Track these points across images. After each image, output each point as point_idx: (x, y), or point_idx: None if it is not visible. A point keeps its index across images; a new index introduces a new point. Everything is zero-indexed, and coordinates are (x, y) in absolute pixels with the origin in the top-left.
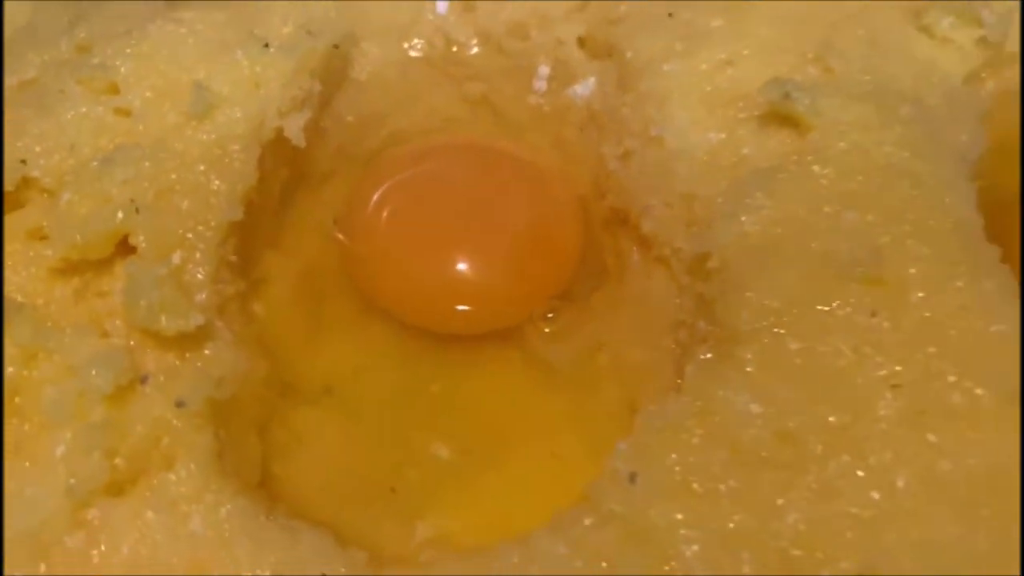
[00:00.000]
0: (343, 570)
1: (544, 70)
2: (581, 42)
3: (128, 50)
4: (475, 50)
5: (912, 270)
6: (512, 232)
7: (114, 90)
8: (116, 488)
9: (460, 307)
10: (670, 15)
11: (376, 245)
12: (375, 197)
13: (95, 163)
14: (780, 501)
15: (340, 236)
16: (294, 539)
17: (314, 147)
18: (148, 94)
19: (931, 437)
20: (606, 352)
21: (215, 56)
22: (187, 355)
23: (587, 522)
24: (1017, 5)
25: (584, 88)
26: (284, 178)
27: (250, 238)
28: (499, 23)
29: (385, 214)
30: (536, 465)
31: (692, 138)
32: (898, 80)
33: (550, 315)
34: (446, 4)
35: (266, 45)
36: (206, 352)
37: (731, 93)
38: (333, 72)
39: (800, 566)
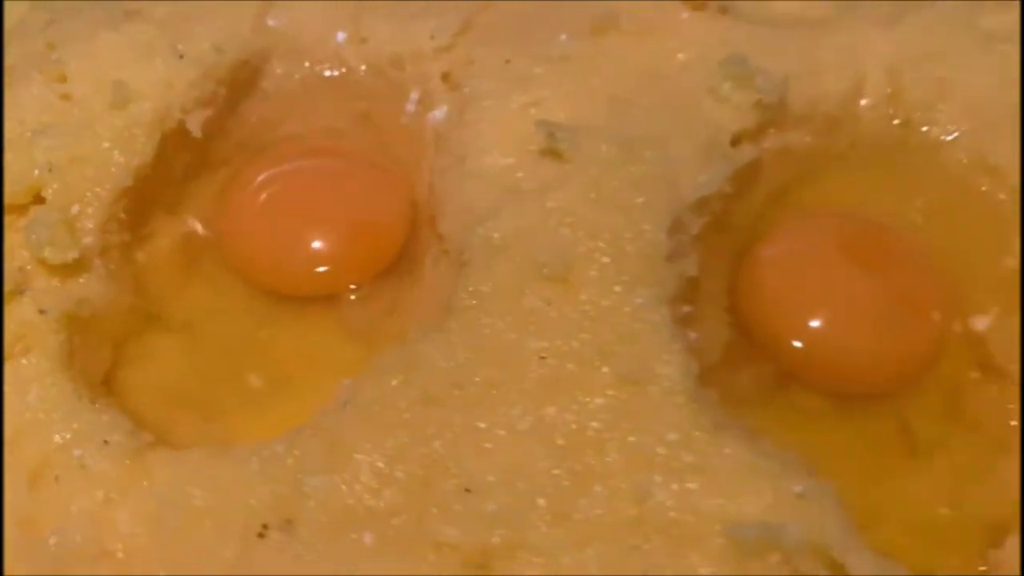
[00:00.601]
0: (123, 440)
1: (414, 96)
2: (444, 77)
3: (80, 50)
4: (363, 74)
5: (592, 273)
6: (348, 222)
7: (63, 80)
8: None
9: (295, 274)
10: (507, 62)
11: (235, 222)
12: (242, 186)
13: (30, 133)
14: (432, 430)
15: (197, 224)
16: (97, 416)
17: (217, 140)
18: (87, 86)
19: (554, 397)
20: (396, 319)
21: (141, 61)
22: (67, 281)
23: (306, 433)
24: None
25: (439, 113)
26: (187, 161)
27: (144, 202)
28: (384, 54)
29: (246, 199)
30: (323, 396)
31: (486, 162)
32: (669, 131)
33: (353, 286)
34: (344, 35)
35: (181, 56)
36: (80, 280)
37: (527, 129)
38: (241, 82)
39: (429, 478)
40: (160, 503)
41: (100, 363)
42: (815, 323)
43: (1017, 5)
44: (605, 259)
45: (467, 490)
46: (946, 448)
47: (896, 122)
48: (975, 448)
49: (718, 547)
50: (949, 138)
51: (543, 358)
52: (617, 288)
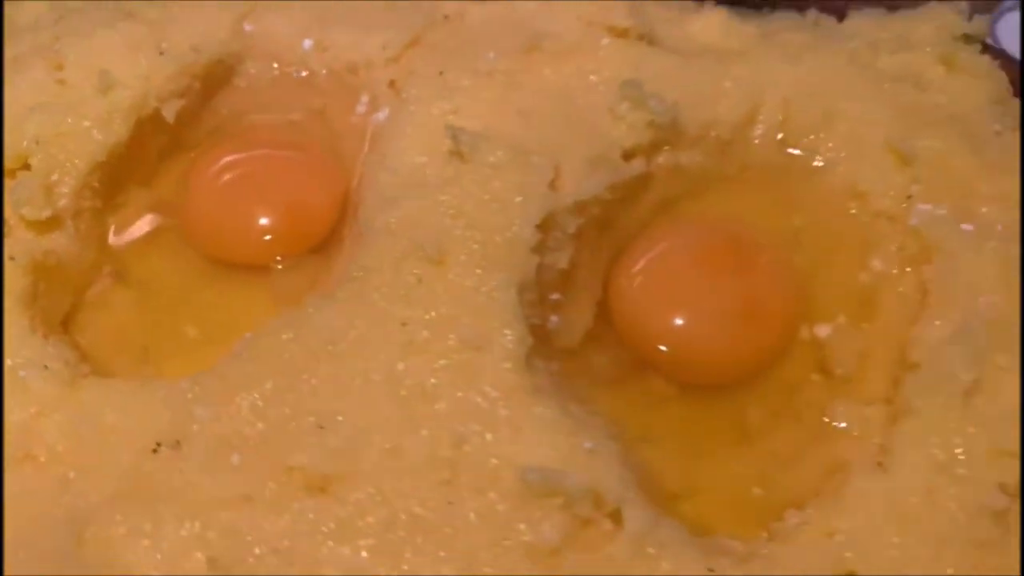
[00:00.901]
0: (61, 368)
1: (364, 99)
2: (391, 84)
3: (79, 43)
4: (323, 77)
5: (462, 257)
6: (287, 203)
7: (61, 68)
8: None
9: (237, 244)
10: (441, 73)
11: (193, 198)
12: (202, 169)
13: (26, 110)
14: (303, 377)
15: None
16: (45, 347)
17: (191, 126)
18: (79, 74)
19: (406, 357)
20: (314, 286)
21: (128, 56)
22: (40, 236)
23: (207, 374)
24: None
25: (381, 115)
26: (162, 143)
27: (118, 176)
28: (342, 61)
29: (203, 180)
30: None
31: (404, 159)
32: (564, 142)
33: (280, 258)
34: (310, 43)
35: (161, 53)
36: (52, 236)
37: (442, 133)
38: (216, 78)
39: (293, 415)
40: (79, 419)
41: (60, 306)
42: (668, 322)
43: (912, 47)
44: (475, 246)
45: (320, 426)
46: (771, 437)
47: (783, 149)
48: (795, 438)
49: (513, 487)
50: (828, 165)
51: (404, 324)
52: (478, 271)
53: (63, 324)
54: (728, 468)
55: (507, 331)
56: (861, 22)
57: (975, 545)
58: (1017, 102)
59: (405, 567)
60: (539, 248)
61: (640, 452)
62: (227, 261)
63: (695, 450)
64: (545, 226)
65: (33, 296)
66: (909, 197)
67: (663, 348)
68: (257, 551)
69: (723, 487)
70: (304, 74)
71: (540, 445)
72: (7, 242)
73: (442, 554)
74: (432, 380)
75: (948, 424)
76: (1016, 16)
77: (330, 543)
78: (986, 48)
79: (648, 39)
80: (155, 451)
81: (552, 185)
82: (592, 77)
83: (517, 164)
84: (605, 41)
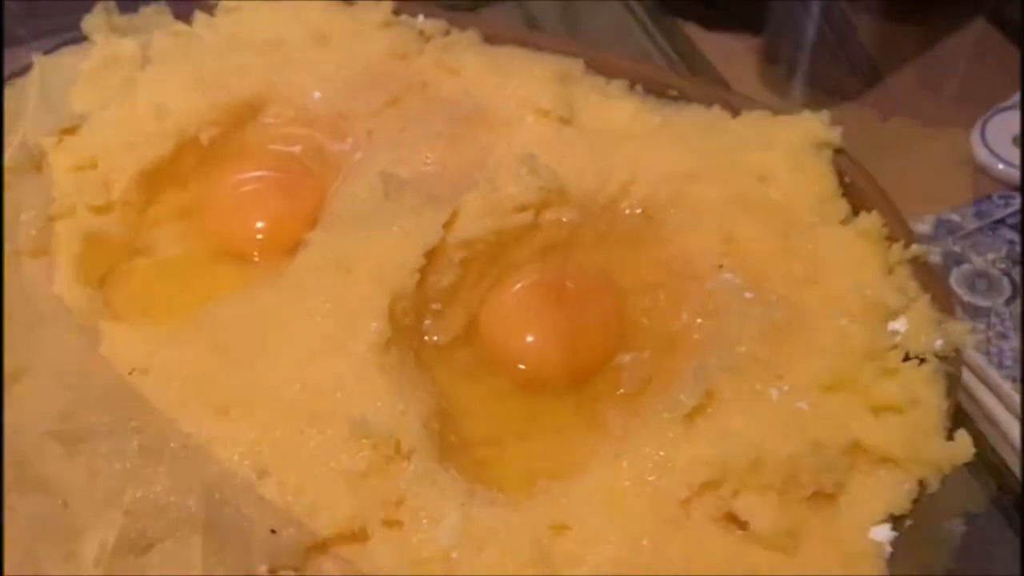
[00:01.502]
0: (87, 311)
1: (350, 141)
2: (369, 132)
3: (149, 79)
4: (324, 122)
5: (363, 269)
6: (274, 212)
7: (134, 96)
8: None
9: (232, 240)
10: (402, 130)
11: (209, 202)
12: (217, 180)
13: (104, 126)
14: (236, 334)
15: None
16: (82, 294)
17: (222, 147)
18: (146, 104)
19: (303, 334)
20: None
21: (181, 93)
22: (95, 216)
23: (178, 327)
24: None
25: (358, 156)
26: (199, 157)
27: (160, 179)
28: (338, 111)
29: (218, 188)
30: None
31: (353, 193)
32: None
33: (256, 253)
34: (319, 95)
35: (204, 94)
36: (103, 217)
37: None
38: (245, 116)
39: (224, 360)
40: (88, 348)
41: (99, 268)
42: (514, 339)
43: (773, 147)
44: (375, 261)
45: (234, 371)
46: (565, 429)
47: (643, 218)
48: (579, 433)
49: (344, 429)
50: (672, 233)
51: (308, 311)
52: (367, 280)
53: (100, 280)
54: (528, 445)
55: (373, 324)
56: (748, 120)
57: (662, 521)
58: (842, 201)
59: (261, 469)
60: (423, 269)
61: (472, 426)
62: (227, 251)
63: (512, 430)
64: (432, 254)
65: (81, 258)
66: (720, 266)
67: (509, 357)
68: (172, 445)
69: (519, 458)
70: (311, 118)
71: (369, 404)
72: (71, 220)
73: (286, 465)
74: (314, 351)
75: (664, 434)
76: (1007, 116)
77: (216, 446)
78: (839, 152)
79: (565, 120)
80: (130, 374)
81: (446, 225)
82: (508, 146)
83: (424, 206)
84: (529, 119)
